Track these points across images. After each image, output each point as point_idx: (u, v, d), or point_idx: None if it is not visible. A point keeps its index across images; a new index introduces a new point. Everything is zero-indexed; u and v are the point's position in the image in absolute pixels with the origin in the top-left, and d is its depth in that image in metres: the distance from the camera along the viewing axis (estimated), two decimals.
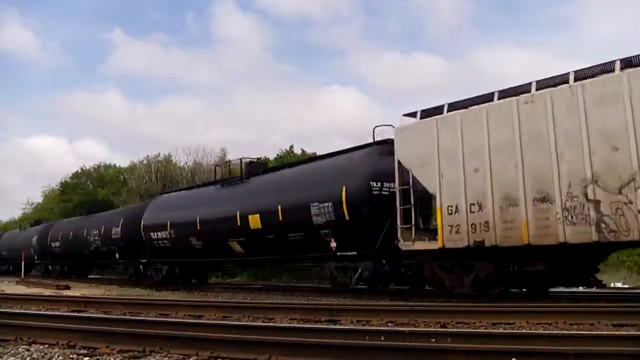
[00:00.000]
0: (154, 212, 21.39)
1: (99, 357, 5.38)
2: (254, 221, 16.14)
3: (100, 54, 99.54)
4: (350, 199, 13.51)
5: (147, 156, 41.62)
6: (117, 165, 47.55)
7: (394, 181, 12.93)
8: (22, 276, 28.89)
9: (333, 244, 13.94)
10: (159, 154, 41.55)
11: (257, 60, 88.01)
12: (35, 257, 32.52)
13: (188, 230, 18.92)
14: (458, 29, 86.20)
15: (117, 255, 23.55)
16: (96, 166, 48.75)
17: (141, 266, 21.86)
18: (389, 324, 7.90)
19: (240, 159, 18.71)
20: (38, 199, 56.35)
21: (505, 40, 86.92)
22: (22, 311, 10.05)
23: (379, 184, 13.58)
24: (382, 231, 13.01)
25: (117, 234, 23.30)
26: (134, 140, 78.40)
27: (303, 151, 32.56)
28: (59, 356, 5.42)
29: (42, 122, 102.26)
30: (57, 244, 29.47)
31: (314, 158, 16.66)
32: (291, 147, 34.07)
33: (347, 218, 13.57)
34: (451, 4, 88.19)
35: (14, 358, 5.44)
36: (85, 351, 5.63)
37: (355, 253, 13.54)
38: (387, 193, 13.47)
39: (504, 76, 73.36)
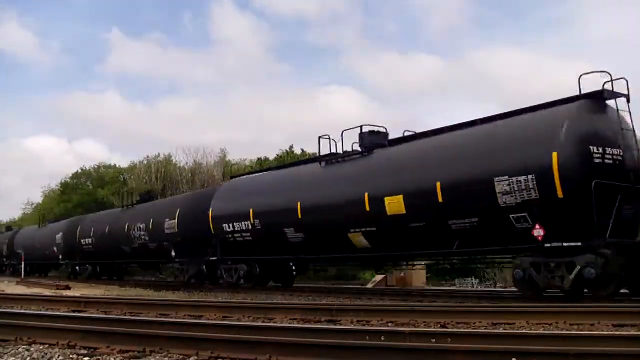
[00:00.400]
0: (227, 200, 17.88)
1: (99, 357, 5.38)
2: (394, 205, 12.82)
3: (99, 54, 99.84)
4: (565, 169, 10.25)
5: (147, 156, 41.65)
6: (117, 165, 47.69)
7: (616, 146, 10.56)
8: (22, 276, 28.76)
9: (538, 232, 10.71)
10: (158, 154, 41.56)
11: (256, 60, 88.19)
12: (60, 257, 28.74)
13: (283, 220, 15.56)
14: (457, 28, 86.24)
15: (172, 253, 20.07)
16: (96, 166, 48.91)
17: (204, 265, 18.67)
18: (389, 324, 7.90)
19: (360, 126, 14.87)
20: (38, 199, 56.41)
21: (505, 40, 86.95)
22: (22, 311, 10.04)
23: (600, 149, 10.48)
24: (612, 213, 10.12)
25: (172, 227, 20.02)
26: (133, 140, 78.62)
27: (303, 151, 32.59)
28: (59, 356, 5.42)
29: (42, 122, 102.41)
30: (89, 240, 25.94)
31: (487, 118, 12.53)
32: (291, 147, 34.17)
33: (560, 195, 10.30)
34: (449, 4, 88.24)
35: (14, 358, 5.44)
36: (85, 351, 5.63)
37: (580, 244, 10.20)
38: (610, 162, 10.58)
39: (503, 76, 73.47)
